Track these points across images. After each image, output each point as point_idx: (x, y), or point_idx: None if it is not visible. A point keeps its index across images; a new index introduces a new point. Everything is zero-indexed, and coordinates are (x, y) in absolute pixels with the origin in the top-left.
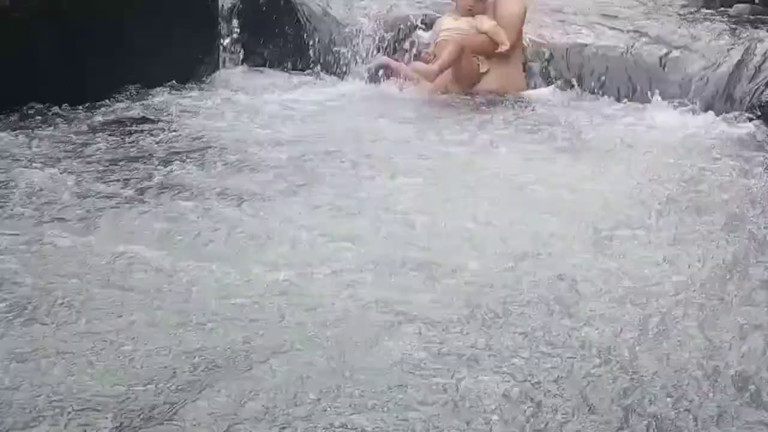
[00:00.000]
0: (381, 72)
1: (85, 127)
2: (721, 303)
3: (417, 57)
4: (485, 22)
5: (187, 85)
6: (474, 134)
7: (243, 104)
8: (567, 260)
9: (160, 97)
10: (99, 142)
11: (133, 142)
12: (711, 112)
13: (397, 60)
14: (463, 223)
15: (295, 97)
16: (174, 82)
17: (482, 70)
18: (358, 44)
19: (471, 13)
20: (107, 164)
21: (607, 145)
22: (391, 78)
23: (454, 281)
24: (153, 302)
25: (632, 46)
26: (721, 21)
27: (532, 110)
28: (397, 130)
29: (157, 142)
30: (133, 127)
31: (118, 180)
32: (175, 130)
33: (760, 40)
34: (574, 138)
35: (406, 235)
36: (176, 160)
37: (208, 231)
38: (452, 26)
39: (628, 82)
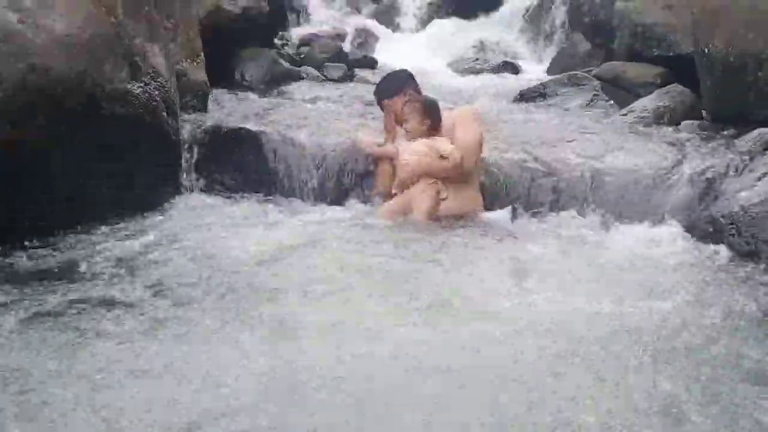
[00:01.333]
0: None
1: None
2: None
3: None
4: (446, 145)
5: (140, 217)
6: (438, 257)
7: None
8: None
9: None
10: None
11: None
12: (666, 230)
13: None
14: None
15: (251, 228)
16: (129, 211)
17: (443, 195)
18: (321, 171)
19: (412, 137)
20: None
21: (566, 268)
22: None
23: None
24: None
25: (585, 167)
26: (670, 138)
27: (492, 234)
28: (358, 259)
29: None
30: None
31: None
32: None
33: (711, 156)
34: (533, 261)
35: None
36: None
37: None
38: (410, 149)
39: (582, 202)
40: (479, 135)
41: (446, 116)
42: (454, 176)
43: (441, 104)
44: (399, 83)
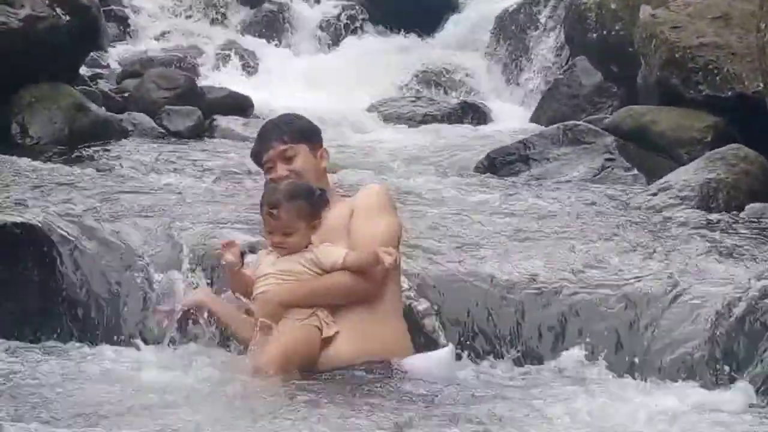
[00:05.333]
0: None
1: None
2: None
3: None
4: (330, 254)
5: None
6: None
7: None
8: None
9: None
10: None
11: None
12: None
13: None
14: None
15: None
16: None
17: (327, 333)
18: (153, 289)
19: (288, 250)
20: None
21: None
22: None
23: None
24: None
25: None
26: (724, 236)
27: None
28: None
29: None
30: None
31: None
32: None
33: None
34: None
35: None
36: None
37: None
38: (272, 270)
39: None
40: (391, 229)
41: (340, 205)
42: (355, 300)
43: (338, 182)
44: (316, 129)
